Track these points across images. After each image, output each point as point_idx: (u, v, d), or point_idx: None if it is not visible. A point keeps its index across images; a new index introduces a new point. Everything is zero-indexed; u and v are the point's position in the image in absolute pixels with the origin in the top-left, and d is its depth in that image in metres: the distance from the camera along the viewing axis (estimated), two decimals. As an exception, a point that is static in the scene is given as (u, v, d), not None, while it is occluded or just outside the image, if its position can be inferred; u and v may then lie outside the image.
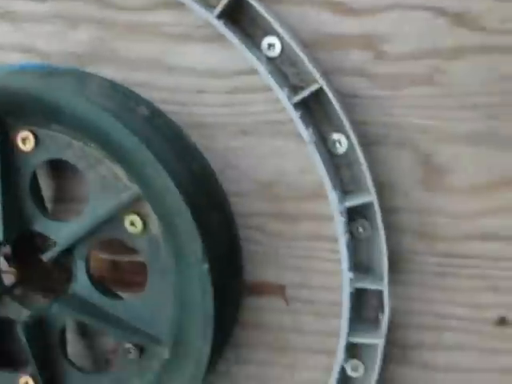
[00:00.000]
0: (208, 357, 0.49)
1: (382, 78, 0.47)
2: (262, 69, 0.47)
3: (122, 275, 0.56)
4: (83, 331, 0.59)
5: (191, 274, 0.48)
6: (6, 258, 0.56)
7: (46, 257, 0.52)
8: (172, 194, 0.46)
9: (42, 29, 0.52)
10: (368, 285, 0.50)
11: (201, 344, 0.49)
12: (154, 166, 0.46)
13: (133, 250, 0.54)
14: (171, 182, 0.46)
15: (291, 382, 0.55)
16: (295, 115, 0.47)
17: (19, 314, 0.55)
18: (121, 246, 0.54)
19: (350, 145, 0.47)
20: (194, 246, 0.47)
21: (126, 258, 0.56)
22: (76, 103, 0.47)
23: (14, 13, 0.52)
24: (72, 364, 0.55)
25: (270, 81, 0.47)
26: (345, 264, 0.49)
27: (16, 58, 0.53)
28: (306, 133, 0.47)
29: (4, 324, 0.56)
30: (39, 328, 0.54)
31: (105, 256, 0.55)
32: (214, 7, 0.46)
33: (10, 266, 0.56)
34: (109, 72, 0.51)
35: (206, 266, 0.47)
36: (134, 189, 0.49)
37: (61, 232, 0.52)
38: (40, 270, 0.57)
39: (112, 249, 0.55)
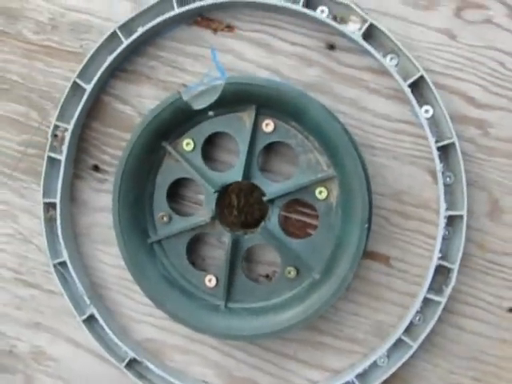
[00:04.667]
0: (350, 281, 0.82)
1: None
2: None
3: (288, 227, 0.89)
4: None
5: (353, 228, 0.80)
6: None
7: (265, 198, 0.85)
8: (358, 178, 0.79)
9: (287, 62, 0.86)
10: (446, 264, 0.84)
11: (347, 271, 0.80)
12: (353, 156, 0.79)
13: (301, 213, 0.88)
14: (361, 168, 0.79)
15: (373, 319, 0.88)
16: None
17: (221, 235, 0.88)
18: (294, 208, 0.88)
19: (457, 180, 0.82)
20: (363, 213, 0.80)
21: (295, 217, 0.89)
22: (317, 114, 0.81)
23: (270, 45, 0.86)
24: (245, 274, 0.88)
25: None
26: (436, 251, 0.84)
27: (262, 74, 0.86)
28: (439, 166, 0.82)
29: (206, 239, 0.90)
30: (235, 245, 0.87)
31: (282, 213, 0.88)
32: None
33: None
34: (323, 100, 0.84)
35: (366, 226, 0.80)
36: (329, 172, 0.83)
37: (271, 187, 0.85)
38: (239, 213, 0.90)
39: (287, 209, 0.89)
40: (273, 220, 0.85)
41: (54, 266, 0.92)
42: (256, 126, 0.84)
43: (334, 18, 0.81)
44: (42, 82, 0.92)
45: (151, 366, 0.92)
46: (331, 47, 0.84)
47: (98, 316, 0.92)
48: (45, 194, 0.91)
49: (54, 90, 0.91)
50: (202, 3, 0.84)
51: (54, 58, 0.91)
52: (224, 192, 0.88)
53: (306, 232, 0.87)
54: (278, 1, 0.82)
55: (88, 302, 0.92)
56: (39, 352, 0.97)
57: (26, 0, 0.91)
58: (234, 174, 0.85)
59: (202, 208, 0.88)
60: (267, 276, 0.90)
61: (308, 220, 0.87)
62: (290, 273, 0.86)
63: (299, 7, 0.81)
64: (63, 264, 0.92)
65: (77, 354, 0.96)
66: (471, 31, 0.81)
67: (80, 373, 0.96)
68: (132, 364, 0.92)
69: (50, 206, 0.92)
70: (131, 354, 0.92)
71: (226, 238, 0.86)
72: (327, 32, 0.83)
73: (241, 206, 0.89)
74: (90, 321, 0.93)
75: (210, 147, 0.88)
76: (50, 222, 0.92)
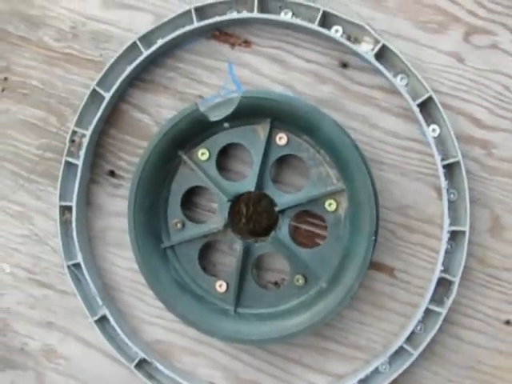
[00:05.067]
0: (355, 291, 0.87)
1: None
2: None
3: (298, 237, 0.93)
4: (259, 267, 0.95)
5: (360, 240, 0.85)
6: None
7: (277, 209, 0.89)
8: (367, 191, 0.84)
9: (302, 78, 0.91)
10: (448, 277, 0.89)
11: (354, 281, 0.85)
12: (362, 171, 0.84)
13: (311, 223, 0.93)
14: (369, 182, 0.84)
15: (376, 327, 0.93)
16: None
17: (233, 242, 0.92)
18: (304, 218, 0.92)
19: (461, 197, 0.87)
20: (371, 225, 0.84)
21: (305, 227, 0.93)
22: (329, 129, 0.85)
23: (285, 62, 0.90)
24: (255, 281, 0.92)
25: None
26: (439, 265, 0.89)
27: (277, 89, 0.91)
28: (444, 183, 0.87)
29: (218, 245, 0.94)
30: (246, 252, 0.91)
31: (292, 223, 0.93)
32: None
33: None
34: (335, 116, 0.88)
35: (373, 238, 0.85)
36: (338, 186, 0.87)
37: (282, 198, 0.89)
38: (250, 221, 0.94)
39: (298, 219, 0.93)
40: (283, 230, 0.90)
41: (68, 267, 0.96)
42: (270, 139, 0.88)
43: (348, 38, 0.86)
44: (62, 89, 0.96)
45: (160, 367, 0.96)
46: (344, 65, 0.88)
47: (109, 317, 0.96)
48: (61, 197, 0.95)
49: (72, 97, 0.96)
50: (220, 18, 0.88)
51: (74, 66, 0.95)
52: (236, 201, 0.92)
53: (314, 242, 0.92)
54: (294, 19, 0.86)
55: (100, 303, 0.96)
56: (50, 350, 1.01)
57: (47, 8, 0.95)
58: (247, 184, 0.89)
59: (214, 216, 0.92)
60: (276, 283, 0.94)
61: (317, 230, 0.92)
62: (298, 281, 0.90)
63: (315, 26, 0.86)
64: (77, 265, 0.96)
65: (88, 353, 1.00)
66: (478, 55, 0.86)
67: (91, 372, 1.00)
68: (142, 364, 0.96)
69: (65, 209, 0.96)
70: (141, 355, 0.96)
71: (238, 245, 0.91)
72: (341, 51, 0.88)
73: (249, 214, 0.93)
74: (101, 321, 0.97)
75: (224, 157, 0.92)
76: (65, 224, 0.96)
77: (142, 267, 0.92)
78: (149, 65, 0.92)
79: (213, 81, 0.91)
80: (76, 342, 1.00)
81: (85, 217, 0.97)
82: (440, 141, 0.85)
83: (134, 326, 0.98)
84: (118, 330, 0.96)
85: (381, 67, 0.84)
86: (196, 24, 0.88)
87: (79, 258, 0.96)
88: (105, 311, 0.96)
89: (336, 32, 0.85)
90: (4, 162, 0.99)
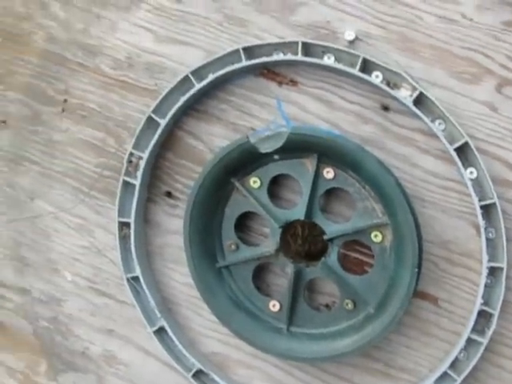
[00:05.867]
0: (400, 318, 1.25)
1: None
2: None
3: (347, 264, 1.34)
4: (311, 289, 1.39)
5: (405, 271, 1.20)
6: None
7: (326, 237, 1.31)
8: (409, 227, 1.20)
9: (345, 117, 1.34)
10: (488, 309, 1.31)
11: (398, 309, 1.21)
12: (405, 208, 1.21)
13: (359, 252, 1.39)
14: (412, 218, 1.21)
15: (422, 351, 1.36)
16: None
17: (285, 266, 1.35)
18: (352, 246, 1.38)
19: (498, 235, 1.28)
20: (414, 258, 1.19)
21: (353, 255, 1.35)
22: (373, 167, 1.21)
23: (330, 102, 1.31)
24: (307, 302, 1.31)
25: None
26: (479, 298, 1.34)
27: (324, 125, 1.32)
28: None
29: (271, 267, 1.40)
30: (298, 276, 1.35)
31: (341, 250, 1.33)
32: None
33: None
34: (377, 154, 1.24)
35: (416, 270, 1.22)
36: (383, 219, 1.22)
37: (331, 227, 1.27)
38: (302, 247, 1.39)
39: (346, 247, 1.35)
40: (332, 257, 1.28)
41: (127, 279, 1.38)
42: (318, 173, 1.26)
43: (388, 84, 1.21)
44: (118, 113, 1.38)
45: (217, 378, 1.37)
46: (385, 108, 1.24)
47: (167, 328, 1.38)
48: (120, 214, 1.36)
49: (129, 121, 1.36)
50: (267, 59, 1.26)
51: (130, 93, 1.37)
52: (288, 227, 1.33)
53: (363, 269, 1.30)
54: (336, 64, 1.23)
55: (159, 315, 1.38)
56: (111, 356, 1.45)
57: (103, 38, 1.36)
58: (297, 213, 1.28)
59: (267, 240, 1.33)
60: (327, 305, 1.34)
61: (365, 259, 1.30)
62: (347, 305, 1.27)
63: (355, 71, 1.21)
64: (136, 278, 1.37)
65: (147, 360, 1.43)
66: (511, 106, 1.21)
67: (150, 379, 1.43)
68: (198, 375, 1.37)
69: (124, 225, 1.37)
70: (198, 366, 1.37)
71: (289, 268, 1.29)
72: (381, 94, 1.22)
73: (305, 236, 1.35)
74: (160, 332, 1.38)
75: (275, 186, 1.30)
76: (123, 239, 1.39)
77: (198, 284, 1.34)
78: (201, 96, 1.31)
79: (263, 115, 1.30)
80: (135, 350, 1.44)
81: (143, 233, 1.39)
82: (477, 183, 1.17)
83: (191, 338, 1.41)
84: (176, 341, 1.38)
85: (419, 112, 1.19)
86: (244, 62, 1.26)
87: (138, 272, 1.38)
88: (163, 323, 1.38)
89: (376, 77, 1.21)
90: (65, 177, 1.44)
